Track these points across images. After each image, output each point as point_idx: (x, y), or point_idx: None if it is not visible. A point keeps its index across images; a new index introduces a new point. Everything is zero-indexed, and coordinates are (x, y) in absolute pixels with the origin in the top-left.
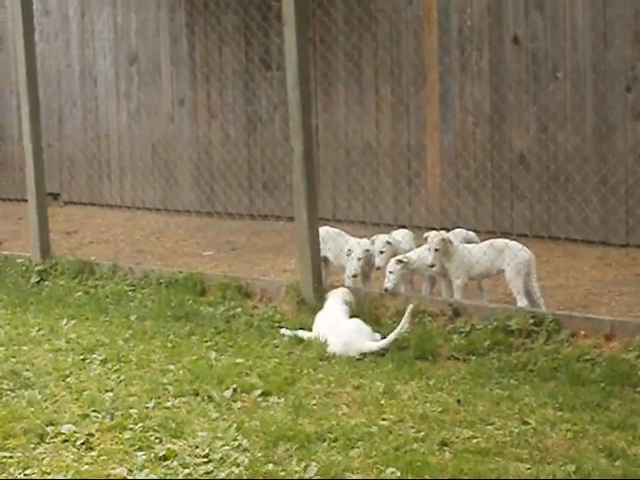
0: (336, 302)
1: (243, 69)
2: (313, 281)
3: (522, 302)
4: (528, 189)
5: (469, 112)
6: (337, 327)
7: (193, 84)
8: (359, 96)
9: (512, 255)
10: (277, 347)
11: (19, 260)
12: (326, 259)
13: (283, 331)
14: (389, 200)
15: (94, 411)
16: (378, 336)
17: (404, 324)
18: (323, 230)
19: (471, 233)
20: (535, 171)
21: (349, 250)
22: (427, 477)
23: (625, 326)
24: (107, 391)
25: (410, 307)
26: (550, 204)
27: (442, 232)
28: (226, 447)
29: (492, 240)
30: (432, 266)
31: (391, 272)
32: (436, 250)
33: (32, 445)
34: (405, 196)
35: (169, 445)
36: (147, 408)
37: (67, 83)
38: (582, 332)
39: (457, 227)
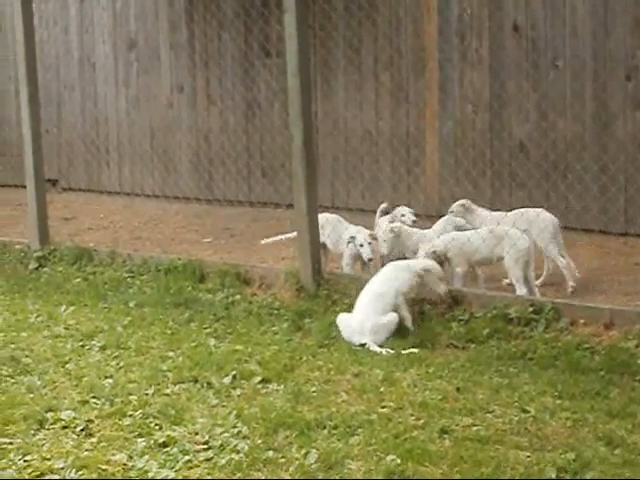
0: (389, 275)
1: (242, 56)
2: (312, 268)
3: (521, 290)
4: (527, 177)
5: (469, 100)
6: (359, 311)
7: (192, 70)
8: (359, 83)
9: (511, 243)
10: (276, 334)
11: (18, 246)
12: (324, 246)
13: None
14: (388, 187)
15: (94, 397)
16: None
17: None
18: (322, 217)
19: (462, 220)
20: (534, 159)
21: (351, 238)
22: (427, 464)
23: (624, 315)
24: (106, 377)
25: None
26: (549, 192)
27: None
28: (226, 434)
29: (491, 227)
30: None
31: (385, 240)
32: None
33: (32, 431)
34: (404, 183)
35: (169, 432)
36: (147, 395)
37: (66, 69)
38: (581, 320)
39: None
